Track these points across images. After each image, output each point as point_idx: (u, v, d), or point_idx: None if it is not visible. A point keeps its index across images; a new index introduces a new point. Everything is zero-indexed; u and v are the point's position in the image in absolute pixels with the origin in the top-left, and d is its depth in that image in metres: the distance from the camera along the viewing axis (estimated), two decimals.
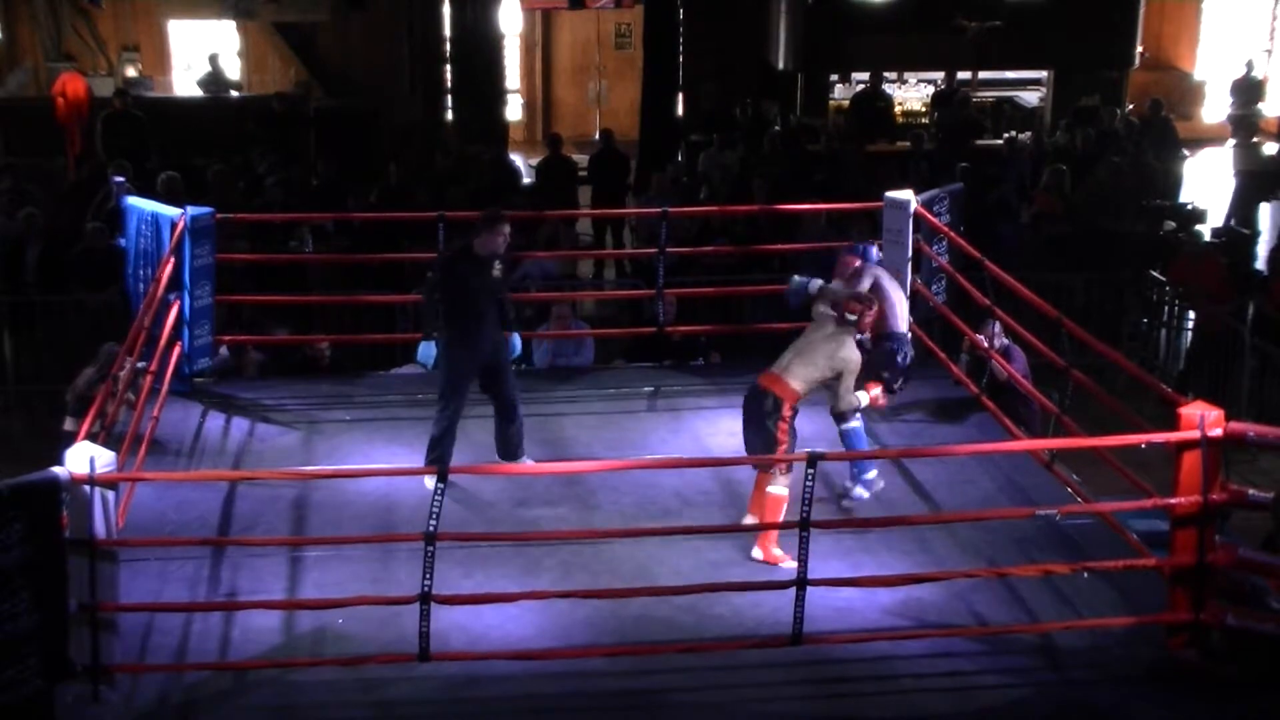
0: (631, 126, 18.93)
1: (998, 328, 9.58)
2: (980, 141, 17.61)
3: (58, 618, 6.35)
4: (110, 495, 6.53)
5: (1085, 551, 7.70)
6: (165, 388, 9.35)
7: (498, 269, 8.68)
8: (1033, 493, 8.45)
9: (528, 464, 8.53)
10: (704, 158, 16.71)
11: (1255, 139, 18.08)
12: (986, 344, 9.61)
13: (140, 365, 9.08)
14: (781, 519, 7.69)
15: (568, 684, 6.73)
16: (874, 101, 18.77)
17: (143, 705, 6.55)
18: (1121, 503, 7.61)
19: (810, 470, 6.68)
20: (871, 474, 8.41)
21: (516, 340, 9.02)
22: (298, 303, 11.89)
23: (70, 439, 8.96)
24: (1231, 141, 19.10)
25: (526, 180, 16.77)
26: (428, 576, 6.58)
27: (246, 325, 11.33)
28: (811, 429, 9.46)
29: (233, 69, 19.65)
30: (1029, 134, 18.23)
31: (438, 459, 8.46)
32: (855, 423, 8.37)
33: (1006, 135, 17.84)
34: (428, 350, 8.92)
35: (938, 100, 19.00)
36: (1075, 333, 8.45)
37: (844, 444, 8.34)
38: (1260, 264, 14.21)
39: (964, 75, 19.64)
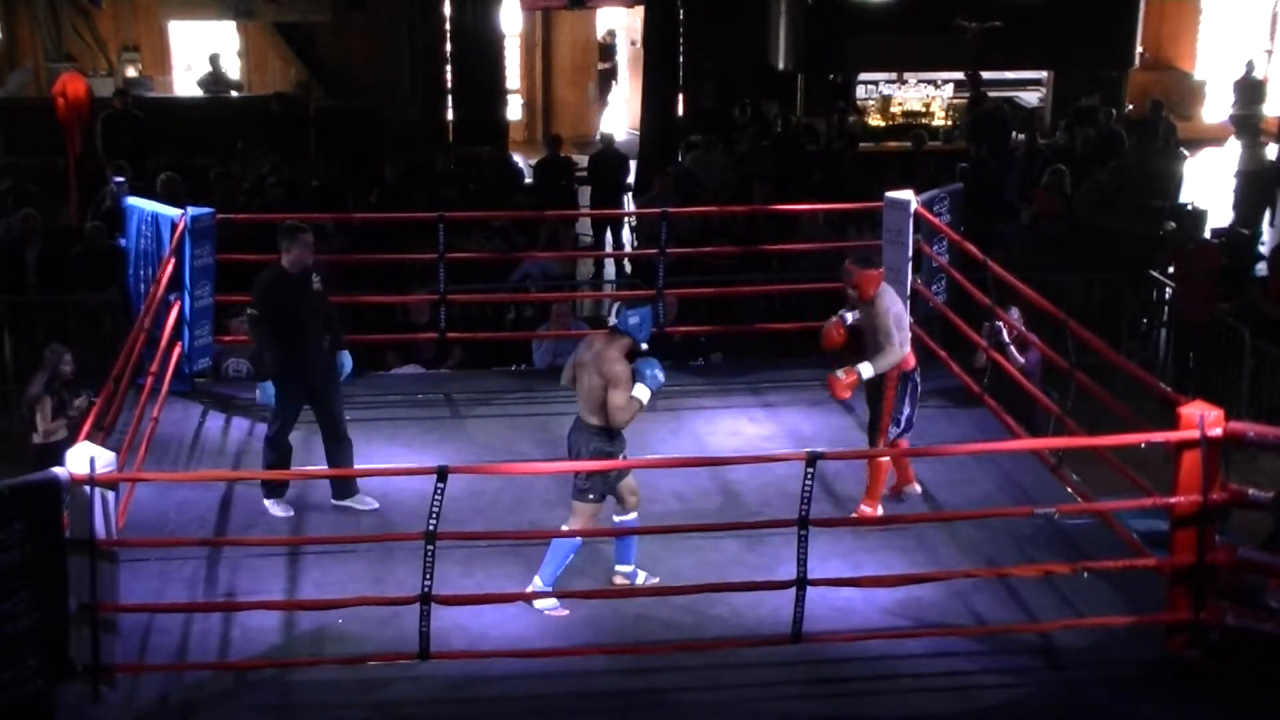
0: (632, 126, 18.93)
1: (1016, 313, 9.60)
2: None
3: (58, 618, 6.35)
4: (110, 495, 6.53)
5: (1085, 551, 7.70)
6: (165, 388, 9.35)
7: (318, 283, 8.27)
8: (1032, 492, 8.46)
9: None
10: (691, 158, 16.69)
11: (1257, 139, 18.07)
12: (1006, 331, 9.65)
13: (86, 396, 9.23)
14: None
15: (568, 684, 6.73)
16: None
17: (143, 705, 6.55)
18: (1121, 502, 7.61)
19: (809, 470, 6.68)
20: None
21: (347, 360, 8.49)
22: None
23: (39, 451, 9.01)
24: (1234, 142, 19.12)
25: (527, 180, 16.77)
26: (428, 576, 6.58)
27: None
28: (811, 429, 9.49)
29: (233, 69, 19.65)
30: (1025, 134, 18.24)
31: (276, 483, 8.27)
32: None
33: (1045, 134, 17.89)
34: (267, 391, 8.36)
35: (972, 103, 19.03)
36: (1077, 333, 8.45)
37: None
38: (1261, 265, 14.20)
39: (961, 75, 19.65)
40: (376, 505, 8.35)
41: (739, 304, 12.63)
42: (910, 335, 8.40)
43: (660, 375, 7.35)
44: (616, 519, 7.55)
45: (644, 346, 7.42)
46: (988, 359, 9.85)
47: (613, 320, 7.45)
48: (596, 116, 21.75)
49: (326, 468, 8.42)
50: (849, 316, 8.40)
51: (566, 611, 7.29)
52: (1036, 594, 7.41)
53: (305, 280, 8.22)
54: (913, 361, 8.32)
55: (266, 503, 8.31)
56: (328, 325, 8.42)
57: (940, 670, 6.85)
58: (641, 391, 7.27)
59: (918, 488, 8.57)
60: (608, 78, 22.07)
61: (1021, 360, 9.65)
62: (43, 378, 9.44)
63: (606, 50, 22.04)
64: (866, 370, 8.09)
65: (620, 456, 7.42)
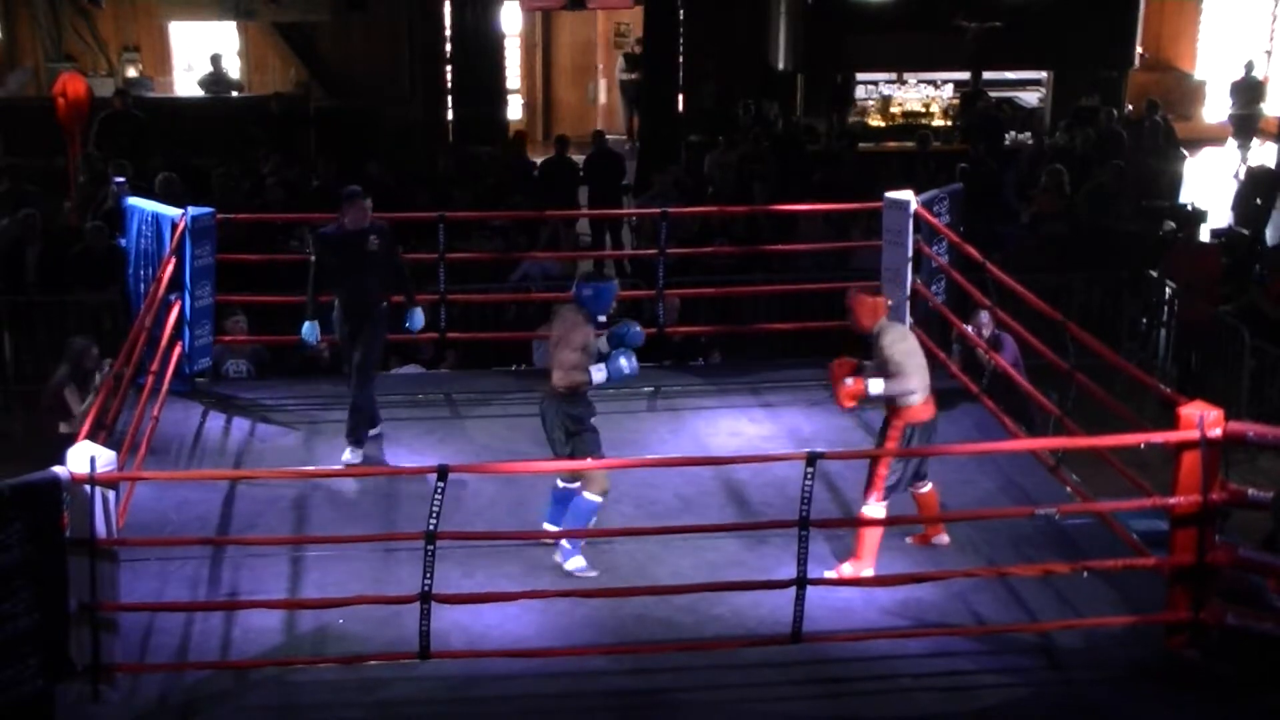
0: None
1: (986, 317, 9.61)
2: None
3: (58, 617, 6.35)
4: (110, 495, 6.53)
5: (1085, 551, 7.70)
6: (165, 388, 9.35)
7: (375, 244, 8.79)
8: (1032, 492, 8.46)
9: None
10: (709, 160, 16.71)
11: (1256, 140, 18.09)
12: (975, 335, 9.65)
13: (108, 366, 9.18)
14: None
15: (568, 684, 6.73)
16: None
17: (143, 705, 6.55)
18: (1121, 502, 7.61)
19: (809, 470, 6.68)
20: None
21: (418, 316, 9.18)
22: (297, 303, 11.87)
23: (63, 441, 8.99)
24: (1234, 142, 19.11)
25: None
26: (428, 576, 6.59)
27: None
28: (811, 429, 9.50)
29: (233, 69, 19.65)
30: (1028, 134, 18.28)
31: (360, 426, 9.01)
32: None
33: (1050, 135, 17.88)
34: (311, 330, 8.95)
35: (965, 100, 19.03)
36: (1076, 334, 8.45)
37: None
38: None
39: (962, 75, 19.65)
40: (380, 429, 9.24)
41: (739, 304, 12.63)
42: (928, 381, 7.71)
43: (625, 368, 7.60)
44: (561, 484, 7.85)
45: (601, 319, 7.73)
46: (962, 365, 9.87)
47: (573, 290, 7.79)
48: (630, 124, 21.21)
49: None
50: (867, 367, 7.66)
51: (596, 573, 7.57)
52: (1036, 594, 7.41)
53: (361, 239, 8.75)
54: (926, 414, 7.66)
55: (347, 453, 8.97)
56: (395, 282, 9.02)
57: (940, 670, 6.85)
58: (598, 372, 7.58)
59: (946, 538, 7.97)
60: (637, 87, 20.47)
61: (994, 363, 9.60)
62: (66, 368, 9.44)
63: (635, 59, 20.82)
64: (875, 387, 7.52)
65: (589, 421, 7.70)
